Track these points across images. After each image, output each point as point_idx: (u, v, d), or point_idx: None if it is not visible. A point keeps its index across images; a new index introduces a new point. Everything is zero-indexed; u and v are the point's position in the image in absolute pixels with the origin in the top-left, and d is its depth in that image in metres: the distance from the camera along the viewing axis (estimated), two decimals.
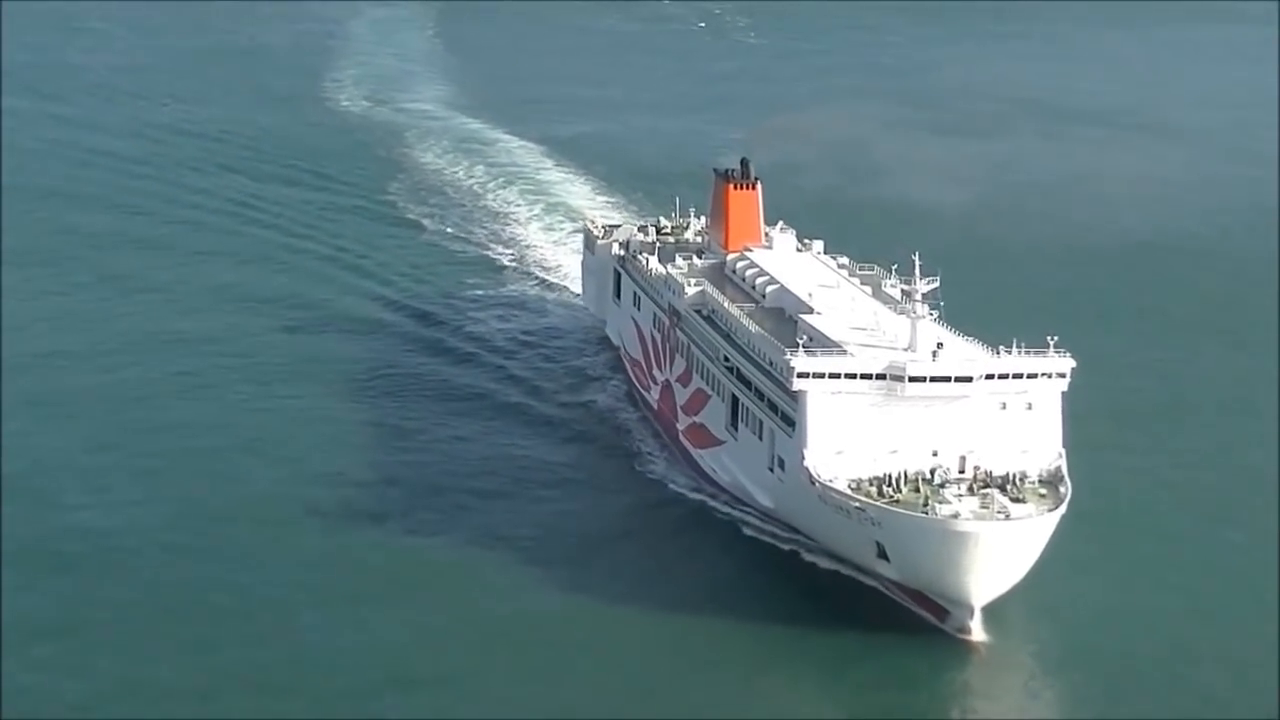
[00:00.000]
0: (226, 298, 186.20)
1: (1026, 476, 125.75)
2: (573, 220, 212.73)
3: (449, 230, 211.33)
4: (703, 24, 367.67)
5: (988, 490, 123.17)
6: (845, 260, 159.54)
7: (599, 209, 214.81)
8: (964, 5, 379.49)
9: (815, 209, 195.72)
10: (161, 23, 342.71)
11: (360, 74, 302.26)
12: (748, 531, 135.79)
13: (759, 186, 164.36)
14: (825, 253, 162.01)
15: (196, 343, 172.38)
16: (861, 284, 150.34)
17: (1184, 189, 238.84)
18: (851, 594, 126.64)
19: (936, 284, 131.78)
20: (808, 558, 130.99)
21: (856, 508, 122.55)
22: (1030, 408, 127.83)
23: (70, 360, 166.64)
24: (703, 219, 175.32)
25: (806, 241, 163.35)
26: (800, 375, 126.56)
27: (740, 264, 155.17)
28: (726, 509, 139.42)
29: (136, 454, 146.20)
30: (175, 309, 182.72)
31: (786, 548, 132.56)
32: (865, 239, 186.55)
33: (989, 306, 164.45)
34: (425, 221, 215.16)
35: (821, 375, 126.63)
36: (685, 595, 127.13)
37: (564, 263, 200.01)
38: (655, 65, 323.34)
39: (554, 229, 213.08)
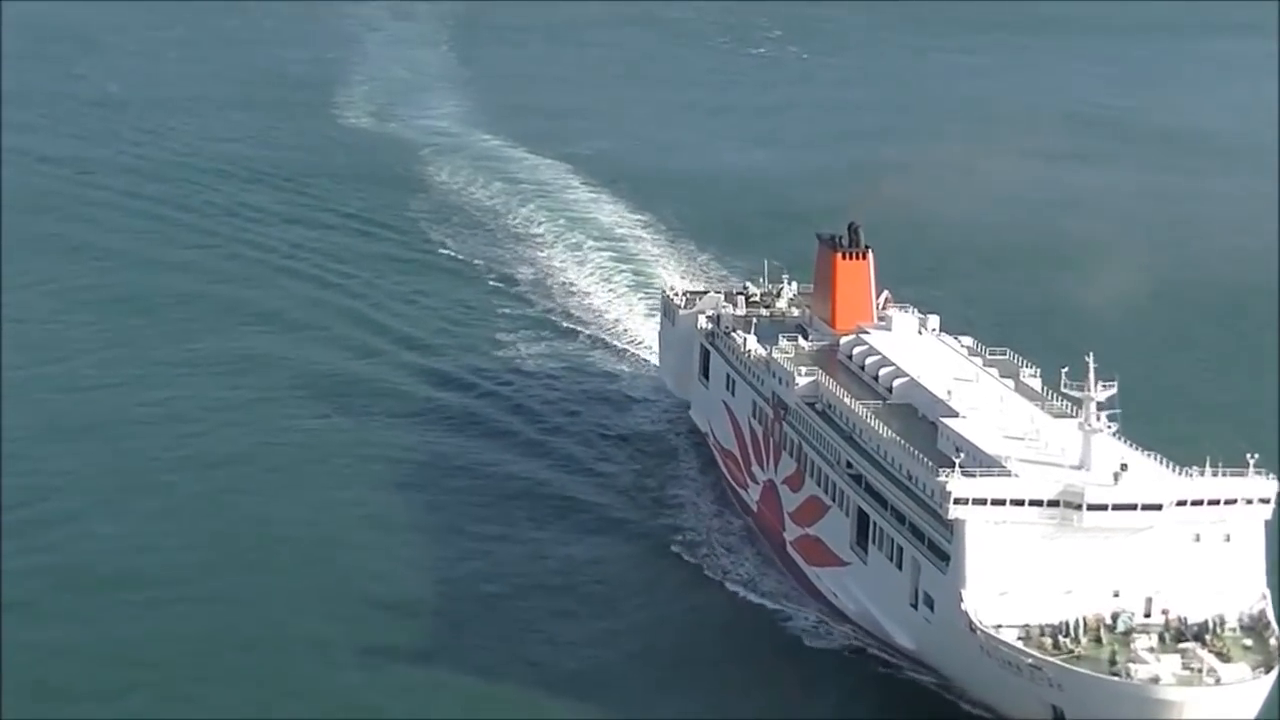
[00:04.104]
0: (256, 365, 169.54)
1: (1225, 622, 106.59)
2: (612, 249, 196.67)
3: (504, 286, 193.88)
4: (725, 40, 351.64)
5: (1186, 644, 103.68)
6: (969, 341, 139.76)
7: (627, 224, 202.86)
8: (982, 9, 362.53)
9: (901, 266, 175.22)
10: (182, 38, 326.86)
11: (379, 93, 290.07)
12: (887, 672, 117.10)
13: (870, 256, 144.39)
14: (943, 330, 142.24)
15: (216, 418, 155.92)
16: (1001, 375, 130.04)
17: None
18: None
19: (1114, 389, 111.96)
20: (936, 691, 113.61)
21: (1030, 665, 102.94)
22: (1228, 539, 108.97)
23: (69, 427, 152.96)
24: (795, 285, 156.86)
25: (921, 316, 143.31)
26: (958, 501, 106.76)
27: (857, 349, 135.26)
28: (849, 636, 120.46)
29: (180, 545, 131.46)
30: (199, 374, 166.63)
31: (932, 686, 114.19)
32: (968, 297, 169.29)
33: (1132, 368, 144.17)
34: (467, 267, 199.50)
35: (983, 501, 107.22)
36: None
37: (620, 314, 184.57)
38: (687, 83, 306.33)
39: (612, 280, 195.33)
